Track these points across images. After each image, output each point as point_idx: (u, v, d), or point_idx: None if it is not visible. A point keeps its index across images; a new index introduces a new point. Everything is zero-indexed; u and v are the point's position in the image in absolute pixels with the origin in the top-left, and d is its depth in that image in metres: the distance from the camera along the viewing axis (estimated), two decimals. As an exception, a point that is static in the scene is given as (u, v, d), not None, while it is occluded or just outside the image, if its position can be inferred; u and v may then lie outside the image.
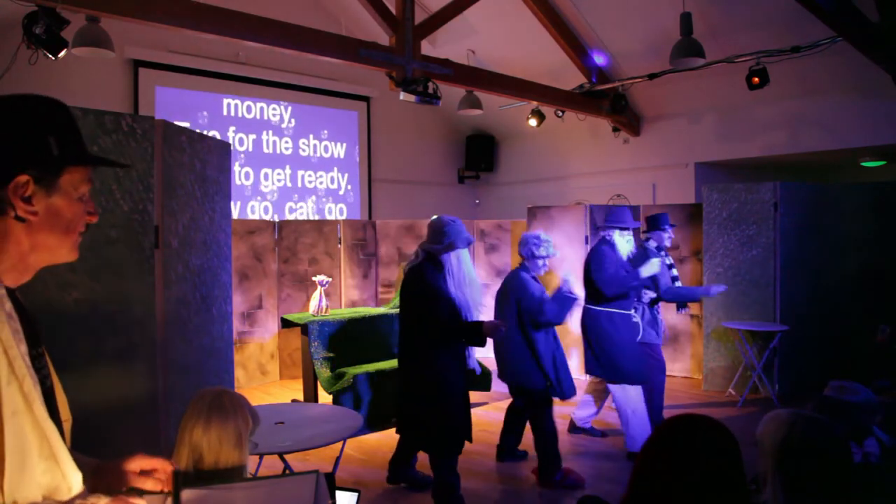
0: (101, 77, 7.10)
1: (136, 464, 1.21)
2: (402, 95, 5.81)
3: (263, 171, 8.44)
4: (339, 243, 6.77)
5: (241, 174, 8.19)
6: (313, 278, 5.74)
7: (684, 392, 5.97)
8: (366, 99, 9.46)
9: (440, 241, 3.32)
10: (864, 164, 8.06)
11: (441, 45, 8.17)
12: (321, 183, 9.04)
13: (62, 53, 4.40)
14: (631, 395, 4.18)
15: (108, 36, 5.00)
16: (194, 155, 3.48)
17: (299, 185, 8.80)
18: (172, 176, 3.24)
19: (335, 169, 9.18)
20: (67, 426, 1.18)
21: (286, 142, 8.66)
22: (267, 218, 8.36)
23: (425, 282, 3.28)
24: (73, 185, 1.06)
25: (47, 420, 1.01)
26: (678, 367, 6.56)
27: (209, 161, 3.65)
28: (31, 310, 1.14)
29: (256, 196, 8.38)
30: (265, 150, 8.46)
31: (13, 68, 4.63)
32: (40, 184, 1.02)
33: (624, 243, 4.30)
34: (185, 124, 7.74)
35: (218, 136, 7.97)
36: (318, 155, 8.99)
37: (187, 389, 3.25)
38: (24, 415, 0.97)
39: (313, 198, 8.93)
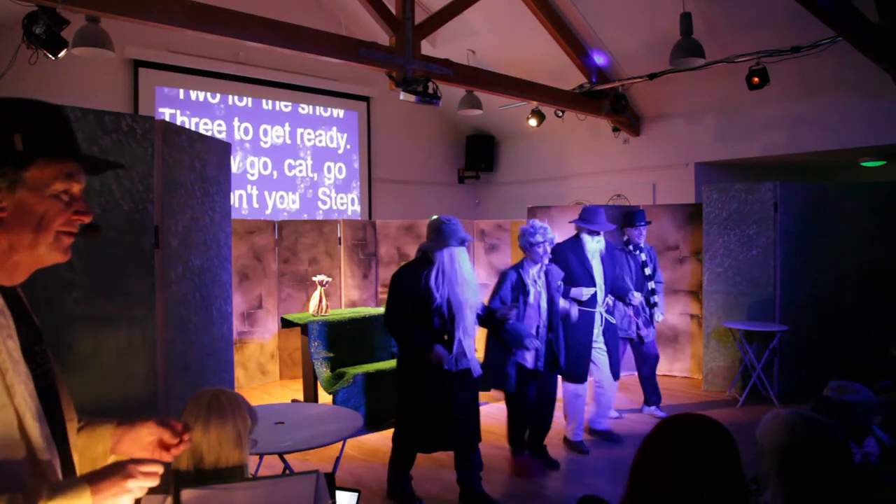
0: (101, 77, 7.10)
1: (163, 435, 1.28)
2: (402, 95, 5.81)
3: (262, 126, 8.46)
4: (339, 243, 6.77)
5: (240, 129, 8.21)
6: (313, 278, 5.74)
7: (684, 392, 5.97)
8: (366, 99, 9.46)
9: (434, 239, 3.41)
10: (864, 164, 8.05)
11: (441, 45, 8.17)
12: (320, 141, 9.05)
13: (62, 53, 4.40)
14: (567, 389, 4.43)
15: (108, 36, 5.01)
16: (194, 155, 3.48)
17: (298, 142, 8.81)
18: (172, 176, 3.24)
19: (334, 128, 9.19)
20: (73, 426, 1.18)
21: (285, 105, 8.72)
22: (266, 174, 8.45)
23: (393, 276, 3.46)
24: (43, 181, 1.05)
25: (34, 412, 1.01)
26: (678, 367, 6.56)
27: (209, 161, 3.65)
28: (32, 308, 1.15)
29: (257, 152, 8.41)
30: (265, 107, 8.50)
31: (13, 68, 4.63)
32: (2, 179, 1.01)
33: (593, 243, 4.33)
34: (183, 85, 7.78)
35: (217, 100, 8.02)
36: (318, 114, 9.02)
37: (187, 389, 3.25)
38: (9, 408, 0.98)
39: (310, 157, 8.99)
